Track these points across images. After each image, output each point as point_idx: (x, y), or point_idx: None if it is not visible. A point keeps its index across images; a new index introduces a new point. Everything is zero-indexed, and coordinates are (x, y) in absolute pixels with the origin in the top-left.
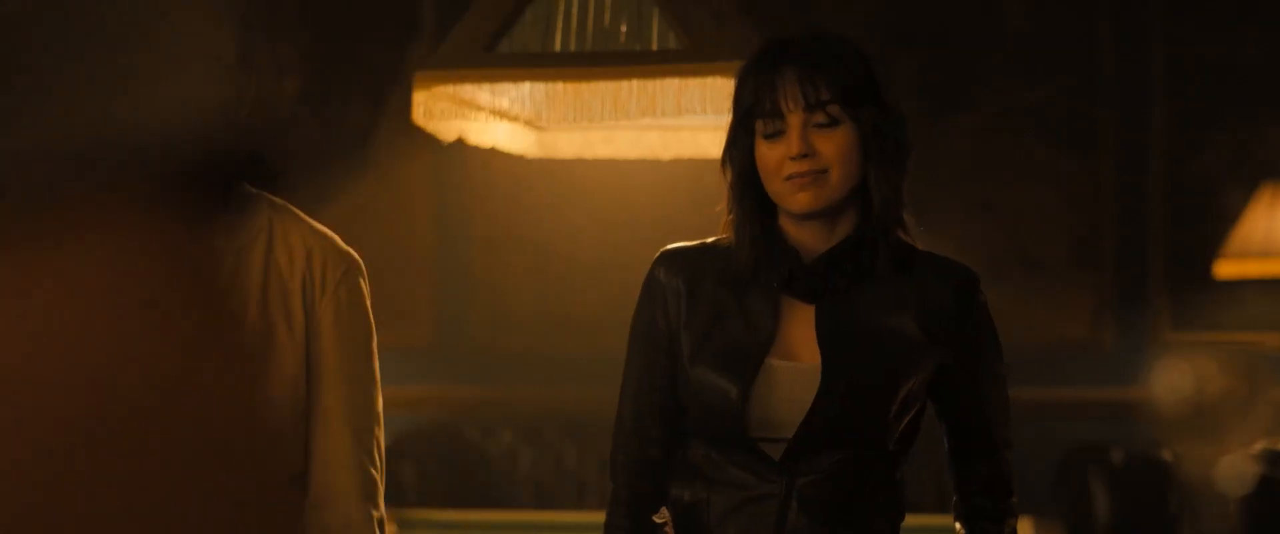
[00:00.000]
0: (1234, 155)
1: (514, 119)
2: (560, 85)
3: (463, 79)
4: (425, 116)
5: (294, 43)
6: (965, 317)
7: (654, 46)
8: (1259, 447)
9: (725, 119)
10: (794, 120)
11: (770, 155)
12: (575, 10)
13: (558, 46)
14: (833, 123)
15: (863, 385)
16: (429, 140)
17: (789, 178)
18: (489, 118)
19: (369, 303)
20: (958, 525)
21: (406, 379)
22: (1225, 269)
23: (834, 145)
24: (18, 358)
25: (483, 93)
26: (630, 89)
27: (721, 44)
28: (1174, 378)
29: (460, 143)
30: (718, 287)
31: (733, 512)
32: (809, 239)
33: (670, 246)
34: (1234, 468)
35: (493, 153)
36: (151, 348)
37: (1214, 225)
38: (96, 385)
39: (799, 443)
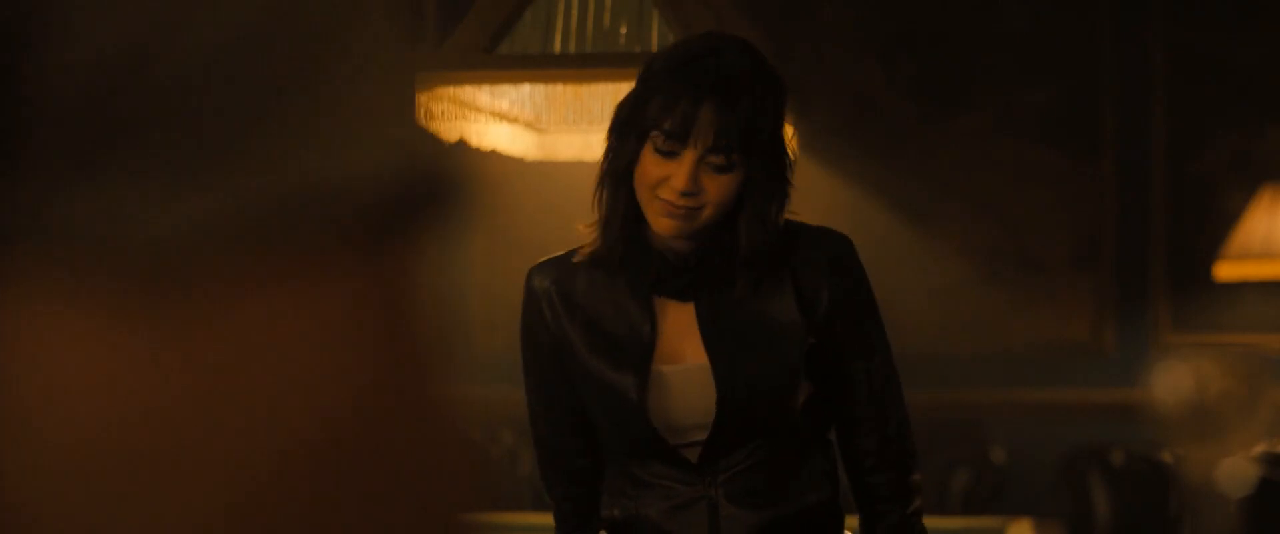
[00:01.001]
0: (1235, 156)
1: (514, 121)
2: (560, 87)
3: (463, 81)
4: (426, 118)
5: None
6: (840, 286)
7: (654, 48)
8: (1260, 449)
9: None
10: (692, 154)
11: (653, 171)
12: (575, 12)
13: (558, 48)
14: (727, 168)
15: (758, 382)
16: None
17: (664, 200)
18: (489, 119)
19: None
20: (856, 518)
21: None
22: (1226, 271)
23: (720, 189)
24: (252, 396)
25: (483, 94)
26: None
27: None
28: (1175, 379)
29: (461, 144)
30: (589, 293)
31: (666, 518)
32: (673, 242)
33: (541, 260)
34: (1235, 470)
35: (492, 154)
36: (370, 385)
37: (1215, 227)
38: (322, 419)
39: (712, 447)
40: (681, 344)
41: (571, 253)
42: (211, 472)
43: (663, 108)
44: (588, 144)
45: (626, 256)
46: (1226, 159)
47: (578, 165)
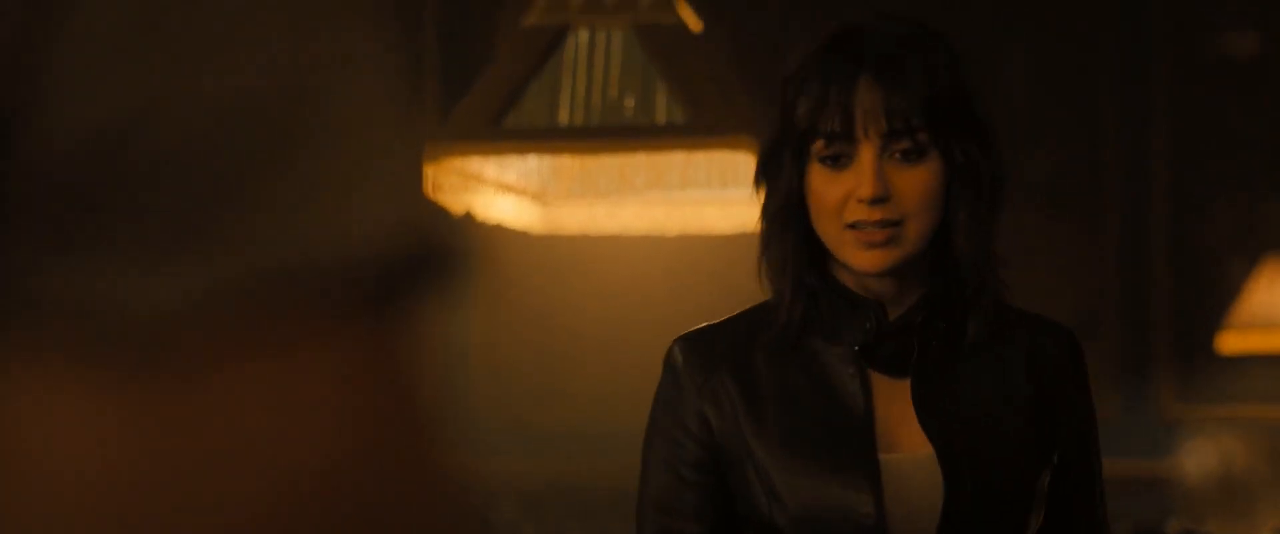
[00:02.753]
0: (1237, 227)
1: (521, 193)
2: (566, 159)
3: (470, 152)
4: (433, 190)
5: None
6: (1079, 385)
7: (660, 120)
8: (1272, 527)
9: (732, 193)
10: (869, 149)
11: (830, 189)
12: (582, 84)
13: (564, 120)
14: (918, 155)
15: (991, 484)
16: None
17: (854, 225)
18: (496, 191)
19: None
20: None
21: None
22: (1230, 342)
23: (918, 187)
24: (243, 459)
25: (490, 166)
26: (636, 163)
27: (727, 118)
28: (1198, 455)
29: (467, 216)
30: (775, 370)
31: None
32: (874, 291)
33: (689, 333)
34: None
35: (497, 227)
36: (365, 453)
37: (1218, 298)
38: (318, 490)
39: None
40: (896, 429)
41: (732, 322)
42: None
43: (816, 105)
44: (593, 216)
45: (819, 317)
46: (1229, 230)
47: (583, 240)
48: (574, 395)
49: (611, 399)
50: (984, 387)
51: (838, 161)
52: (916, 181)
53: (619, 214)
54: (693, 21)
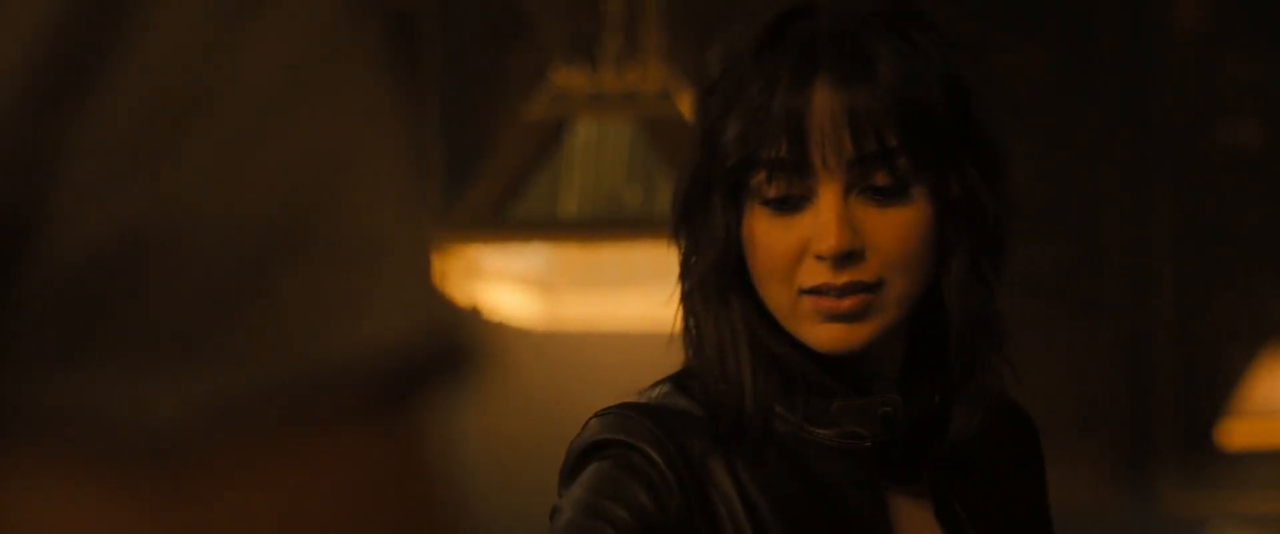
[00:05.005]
0: (1240, 318)
1: (523, 285)
2: (569, 250)
3: (473, 244)
4: (442, 285)
5: None
6: (1043, 472)
7: (663, 212)
8: None
9: None
10: (830, 185)
11: (777, 241)
12: (584, 176)
13: (568, 211)
14: (898, 191)
15: None
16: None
17: (811, 290)
18: (498, 284)
19: None
20: None
21: None
22: (1233, 434)
23: (898, 235)
24: None
25: (492, 258)
26: (640, 253)
27: None
28: None
29: (474, 310)
30: (753, 464)
31: None
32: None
33: (623, 406)
34: None
35: (499, 319)
36: None
37: (1221, 389)
38: None
39: None
40: None
41: (670, 400)
42: None
43: (750, 123)
44: (597, 309)
45: (793, 395)
46: (1232, 321)
47: (586, 335)
48: None
49: None
50: (995, 495)
51: (786, 204)
52: (897, 227)
53: (621, 306)
54: None
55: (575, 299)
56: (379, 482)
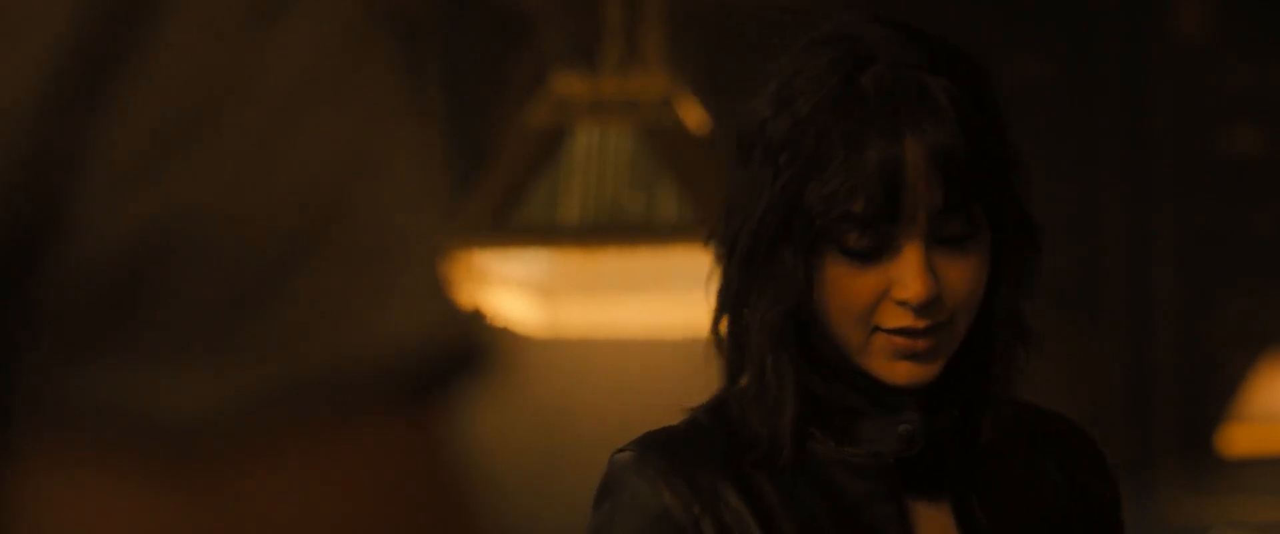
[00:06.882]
0: (1242, 324)
1: (524, 291)
2: (570, 256)
3: (474, 250)
4: (452, 288)
5: None
6: (1114, 492)
7: (664, 218)
8: None
9: None
10: (914, 237)
11: (858, 288)
12: (586, 182)
13: (568, 217)
14: (968, 237)
15: None
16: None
17: (895, 331)
18: (500, 290)
19: None
20: None
21: None
22: (1233, 440)
23: (968, 277)
24: None
25: (493, 264)
26: (640, 260)
27: None
28: None
29: (480, 314)
30: (777, 484)
31: None
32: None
33: (642, 440)
34: None
35: (501, 325)
36: None
37: (1222, 396)
38: None
39: None
40: None
41: (695, 423)
42: None
43: (845, 179)
44: (598, 316)
45: (819, 413)
46: (1233, 327)
47: (587, 341)
48: (575, 501)
49: None
50: (1031, 508)
51: (869, 258)
52: (967, 271)
53: (623, 314)
54: (697, 121)
55: (576, 305)
56: (400, 476)
